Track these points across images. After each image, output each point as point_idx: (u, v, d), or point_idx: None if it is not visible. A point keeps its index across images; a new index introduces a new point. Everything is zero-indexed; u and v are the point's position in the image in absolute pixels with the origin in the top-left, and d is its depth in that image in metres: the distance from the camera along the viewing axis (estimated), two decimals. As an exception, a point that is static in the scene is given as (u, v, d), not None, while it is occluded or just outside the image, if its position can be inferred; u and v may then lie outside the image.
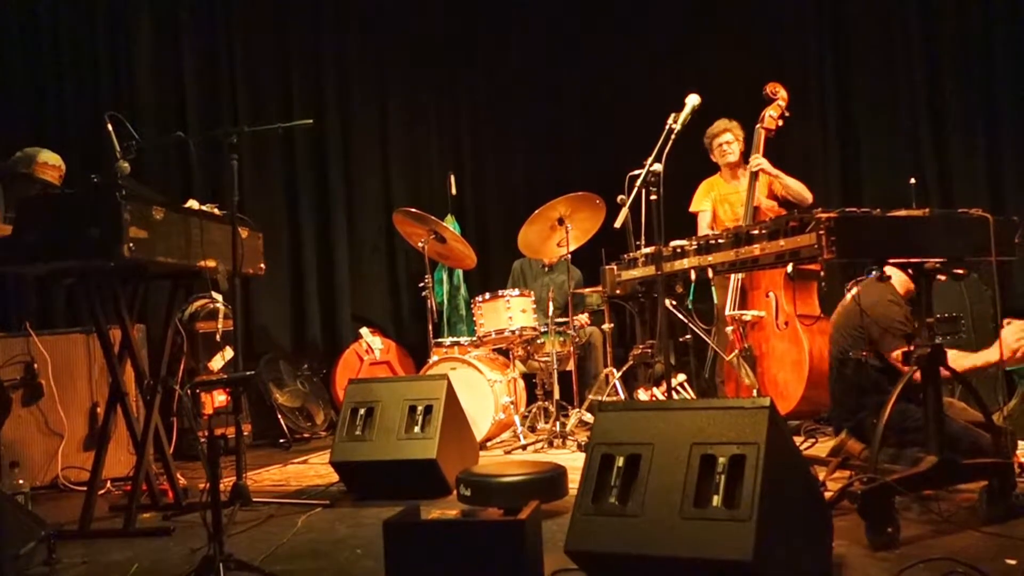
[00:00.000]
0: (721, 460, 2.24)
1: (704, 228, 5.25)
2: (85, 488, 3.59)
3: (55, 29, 5.56)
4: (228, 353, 5.47)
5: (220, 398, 5.38)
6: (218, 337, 5.44)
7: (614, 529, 2.29)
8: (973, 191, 5.45)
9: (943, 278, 3.41)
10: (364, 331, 6.51)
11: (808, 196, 5.05)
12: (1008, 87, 5.37)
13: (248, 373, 3.20)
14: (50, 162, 4.29)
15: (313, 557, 2.98)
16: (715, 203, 5.31)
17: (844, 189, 6.02)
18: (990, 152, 5.47)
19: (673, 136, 3.65)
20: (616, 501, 2.32)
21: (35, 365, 4.52)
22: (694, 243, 3.39)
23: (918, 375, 2.92)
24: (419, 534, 2.47)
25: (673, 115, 3.70)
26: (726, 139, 5.19)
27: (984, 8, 5.48)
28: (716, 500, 2.20)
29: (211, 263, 3.57)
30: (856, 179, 6.03)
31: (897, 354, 3.51)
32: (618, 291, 4.05)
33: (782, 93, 4.95)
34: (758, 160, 4.93)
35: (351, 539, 3.17)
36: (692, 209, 5.38)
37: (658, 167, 3.59)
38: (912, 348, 3.03)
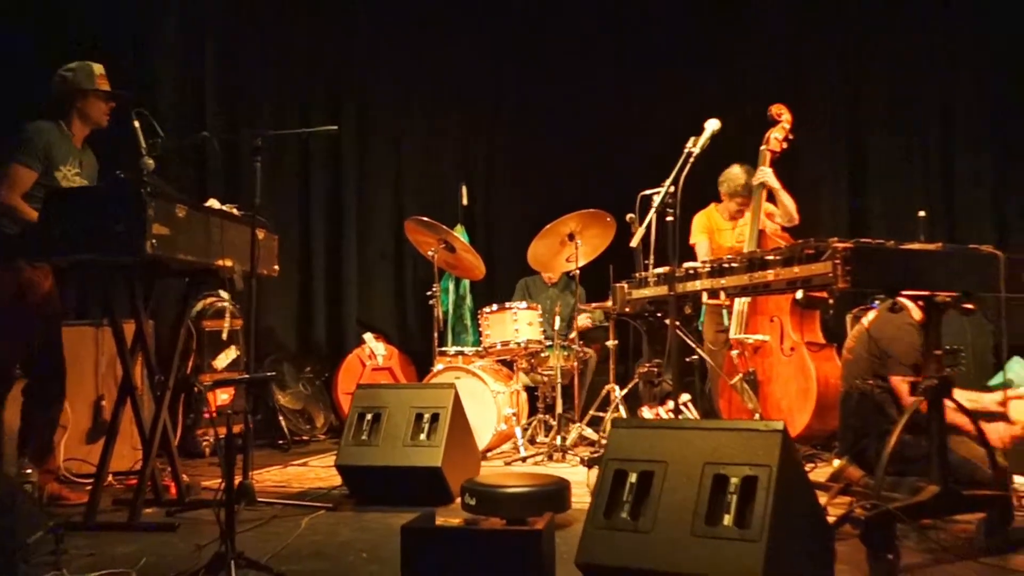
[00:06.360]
0: (733, 480, 2.27)
1: (703, 258, 5.27)
2: (87, 480, 3.60)
3: (80, 26, 5.57)
4: (232, 352, 5.48)
5: (222, 396, 5.39)
6: (224, 336, 5.46)
7: (625, 544, 2.32)
8: (977, 224, 5.53)
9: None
10: (368, 337, 6.54)
11: (796, 218, 5.03)
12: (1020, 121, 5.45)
13: (269, 374, 3.22)
14: (102, 72, 3.95)
15: (318, 558, 3.01)
16: (710, 233, 5.35)
17: (851, 218, 6.09)
18: (996, 185, 5.55)
19: (691, 160, 3.67)
20: (628, 516, 2.35)
21: (43, 355, 4.53)
22: (707, 266, 3.42)
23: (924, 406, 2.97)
24: (437, 539, 2.50)
25: (692, 139, 3.70)
26: (738, 200, 5.21)
27: (997, 41, 5.57)
28: (727, 519, 2.23)
29: (228, 262, 3.61)
30: (863, 208, 6.11)
31: (898, 380, 3.55)
32: (627, 309, 4.06)
33: (786, 115, 4.98)
34: (764, 170, 4.95)
35: (355, 542, 3.20)
36: (691, 241, 5.39)
37: (674, 190, 3.62)
38: (920, 379, 3.07)
